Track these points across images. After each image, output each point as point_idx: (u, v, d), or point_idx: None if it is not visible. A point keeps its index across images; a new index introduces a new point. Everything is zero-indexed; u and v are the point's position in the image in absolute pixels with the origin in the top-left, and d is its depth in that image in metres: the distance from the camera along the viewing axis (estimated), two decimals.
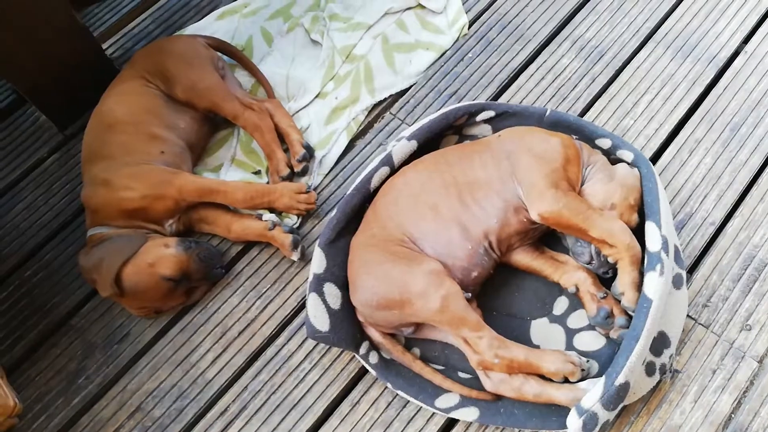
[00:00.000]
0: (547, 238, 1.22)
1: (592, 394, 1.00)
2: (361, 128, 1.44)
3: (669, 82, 1.42)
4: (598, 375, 1.08)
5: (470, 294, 1.13)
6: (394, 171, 1.24)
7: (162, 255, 1.19)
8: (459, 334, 1.07)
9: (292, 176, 1.35)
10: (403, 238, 1.12)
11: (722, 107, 1.38)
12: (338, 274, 1.16)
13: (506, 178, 1.14)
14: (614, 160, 1.24)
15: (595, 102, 1.42)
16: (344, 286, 1.15)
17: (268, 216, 1.28)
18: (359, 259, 1.13)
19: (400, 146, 1.24)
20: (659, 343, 1.08)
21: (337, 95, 1.45)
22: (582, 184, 1.16)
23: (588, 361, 1.09)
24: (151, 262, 1.18)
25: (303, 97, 1.46)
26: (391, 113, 1.45)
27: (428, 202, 1.14)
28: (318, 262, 1.15)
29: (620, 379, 0.99)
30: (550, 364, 1.05)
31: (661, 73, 1.44)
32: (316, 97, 1.46)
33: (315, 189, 1.37)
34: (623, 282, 1.09)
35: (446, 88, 1.47)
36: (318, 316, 1.11)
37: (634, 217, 1.14)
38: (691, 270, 1.21)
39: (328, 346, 1.19)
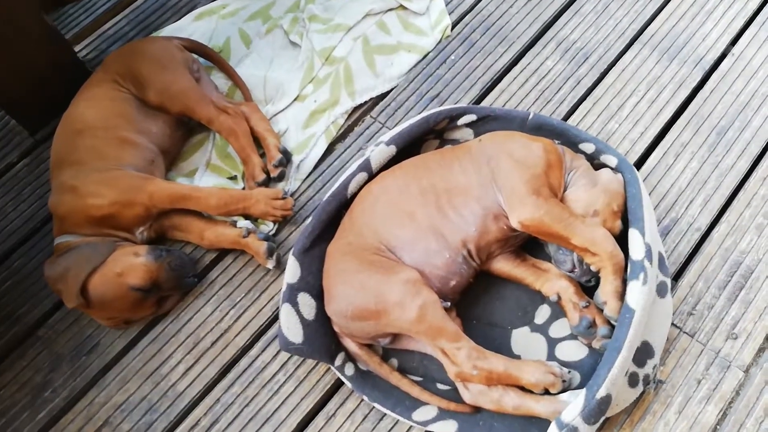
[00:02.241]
0: (529, 245, 1.19)
1: (572, 407, 0.97)
2: (340, 132, 1.41)
3: (655, 85, 1.40)
4: (580, 386, 1.05)
5: (449, 303, 1.09)
6: (372, 177, 1.20)
7: (131, 264, 1.15)
8: (437, 344, 1.03)
9: (268, 182, 1.31)
10: (379, 246, 1.09)
11: (709, 110, 1.35)
12: (313, 283, 1.12)
13: (486, 184, 1.11)
14: (597, 165, 1.21)
15: (579, 105, 1.39)
16: (319, 296, 1.12)
17: (242, 223, 1.25)
18: (334, 268, 1.10)
19: (378, 151, 1.21)
20: (642, 353, 1.05)
21: (316, 98, 1.41)
22: (564, 190, 1.13)
23: (570, 371, 1.06)
24: (120, 272, 1.14)
25: (281, 100, 1.42)
26: (371, 117, 1.42)
27: (405, 209, 1.11)
28: (292, 272, 1.12)
29: (601, 392, 0.96)
30: (530, 375, 1.01)
31: (647, 76, 1.41)
32: (295, 100, 1.42)
33: (292, 195, 1.33)
34: (605, 291, 1.06)
35: (428, 91, 1.43)
36: (291, 327, 1.08)
37: (618, 224, 1.11)
38: (677, 277, 1.18)
39: (303, 357, 1.15)
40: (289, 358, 1.16)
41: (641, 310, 1.00)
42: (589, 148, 1.22)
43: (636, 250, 1.06)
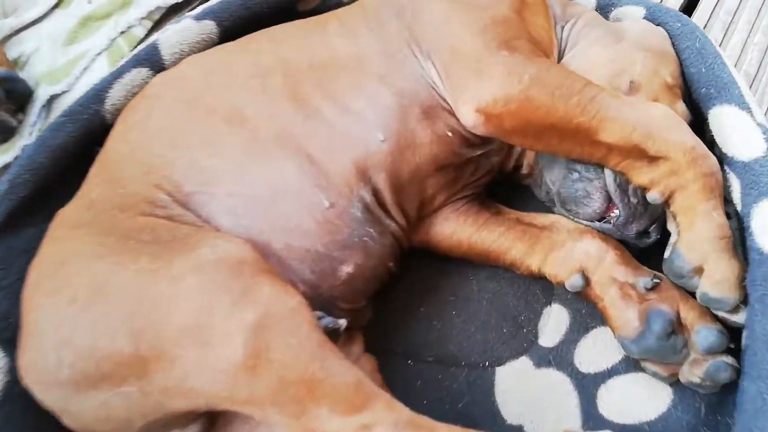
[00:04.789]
0: (506, 190, 0.58)
1: None
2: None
3: None
4: None
5: (343, 321, 0.46)
6: None
7: None
8: (308, 425, 0.38)
9: None
10: (155, 195, 0.45)
11: None
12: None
13: (399, 51, 0.51)
14: None
15: None
16: (11, 341, 0.45)
17: None
18: (46, 261, 0.44)
19: (176, 32, 0.59)
20: None
21: None
22: (561, 55, 0.55)
23: None
24: None
25: (31, 9, 0.80)
26: None
27: (222, 110, 0.48)
28: None
29: None
30: None
31: None
32: (56, 6, 0.81)
33: None
34: (697, 239, 0.45)
35: None
36: None
37: (680, 107, 0.53)
38: None
39: None
40: None
41: None
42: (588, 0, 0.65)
43: (745, 143, 0.47)
